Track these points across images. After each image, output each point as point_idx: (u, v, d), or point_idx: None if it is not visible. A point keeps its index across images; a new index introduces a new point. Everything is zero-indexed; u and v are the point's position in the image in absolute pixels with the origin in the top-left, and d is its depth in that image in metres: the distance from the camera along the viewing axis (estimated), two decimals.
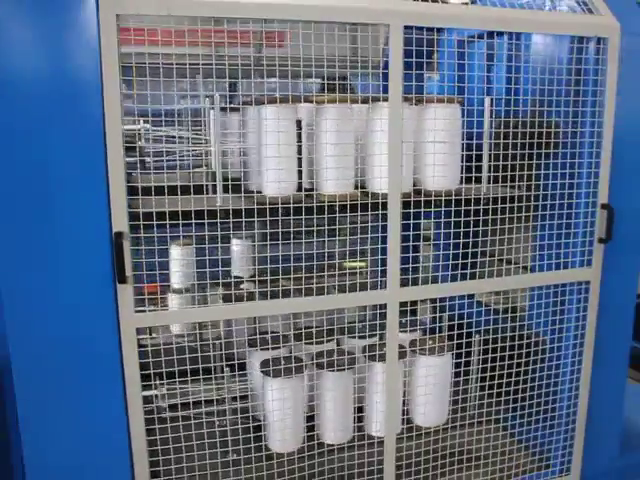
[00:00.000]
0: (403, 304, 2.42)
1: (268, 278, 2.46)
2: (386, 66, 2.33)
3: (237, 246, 3.44)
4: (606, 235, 2.64)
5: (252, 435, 2.46)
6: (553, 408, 2.85)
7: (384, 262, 2.37)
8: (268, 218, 2.24)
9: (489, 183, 2.60)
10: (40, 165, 1.81)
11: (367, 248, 2.77)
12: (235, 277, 3.29)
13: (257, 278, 2.54)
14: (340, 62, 2.31)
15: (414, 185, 2.54)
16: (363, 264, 3.28)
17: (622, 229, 2.70)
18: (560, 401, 2.84)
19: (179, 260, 3.07)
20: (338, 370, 2.66)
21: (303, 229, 2.32)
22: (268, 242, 2.49)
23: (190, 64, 2.02)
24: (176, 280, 3.16)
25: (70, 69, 1.80)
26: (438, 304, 3.10)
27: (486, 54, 2.75)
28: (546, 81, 2.55)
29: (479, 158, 2.57)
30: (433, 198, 2.49)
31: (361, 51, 2.54)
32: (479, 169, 2.57)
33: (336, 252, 2.61)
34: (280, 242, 2.51)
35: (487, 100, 2.65)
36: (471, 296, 2.96)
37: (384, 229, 2.36)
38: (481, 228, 2.53)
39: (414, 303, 2.82)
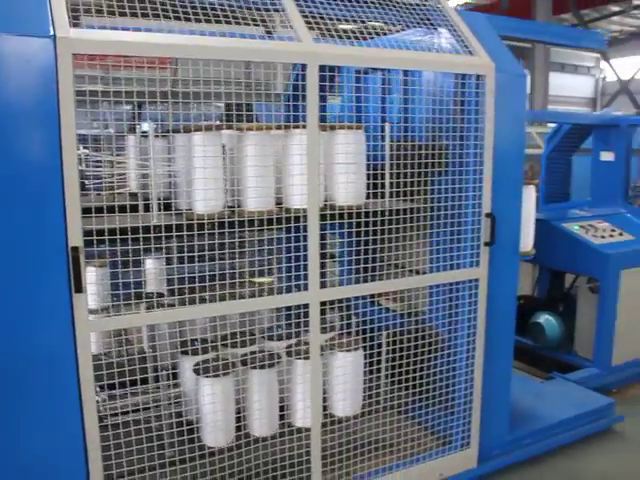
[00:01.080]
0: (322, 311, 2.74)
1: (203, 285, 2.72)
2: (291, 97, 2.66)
3: (155, 263, 3.59)
4: (490, 239, 3.12)
5: (186, 434, 2.68)
6: (452, 394, 3.28)
7: (299, 270, 2.68)
8: (196, 232, 2.50)
9: (390, 198, 3.01)
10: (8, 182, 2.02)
11: (284, 257, 3.09)
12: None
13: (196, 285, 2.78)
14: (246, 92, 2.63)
15: (326, 201, 2.88)
16: (271, 279, 3.57)
17: (502, 233, 3.19)
18: (458, 388, 3.27)
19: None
20: (262, 368, 2.92)
21: (228, 241, 2.59)
22: (196, 256, 2.71)
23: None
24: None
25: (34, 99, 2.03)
26: (352, 311, 3.48)
27: (382, 85, 3.20)
28: (437, 110, 3.01)
29: (382, 176, 2.99)
30: (346, 211, 2.85)
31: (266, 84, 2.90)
32: (382, 186, 2.98)
33: (265, 259, 2.91)
34: (206, 254, 2.72)
35: (387, 126, 3.09)
36: (379, 304, 3.38)
37: (304, 239, 2.69)
38: (386, 237, 2.93)
39: (325, 311, 3.13)
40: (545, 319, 4.95)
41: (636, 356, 4.84)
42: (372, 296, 3.53)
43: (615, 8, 23.46)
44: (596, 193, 5.65)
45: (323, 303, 2.79)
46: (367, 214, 2.93)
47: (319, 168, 2.67)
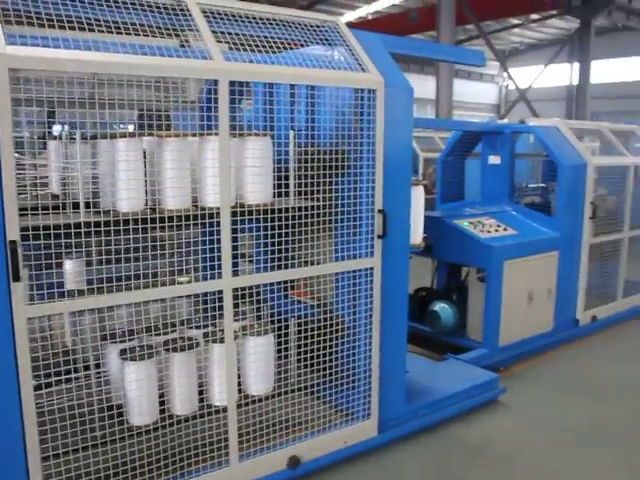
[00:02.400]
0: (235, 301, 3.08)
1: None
2: (206, 101, 2.94)
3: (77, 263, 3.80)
4: (382, 232, 3.56)
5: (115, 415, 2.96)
6: (354, 373, 3.70)
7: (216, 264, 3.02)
8: (121, 228, 2.80)
9: (296, 196, 3.40)
10: None
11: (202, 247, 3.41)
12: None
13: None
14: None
15: (238, 200, 3.23)
16: (188, 279, 3.87)
17: (394, 228, 3.64)
18: (358, 367, 3.69)
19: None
20: (181, 351, 3.22)
21: (150, 236, 2.90)
22: (122, 253, 3.01)
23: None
24: None
25: None
26: (266, 302, 3.83)
27: (290, 95, 3.60)
28: (337, 119, 3.43)
29: (288, 177, 3.38)
30: (254, 209, 3.22)
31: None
32: (288, 186, 3.37)
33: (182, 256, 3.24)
34: (132, 253, 2.97)
35: (291, 133, 3.47)
36: (286, 297, 3.75)
37: (218, 234, 3.03)
38: (291, 231, 3.33)
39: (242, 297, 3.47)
40: (440, 307, 5.46)
41: (518, 338, 5.41)
42: (285, 290, 3.93)
43: (515, 21, 24.92)
44: (485, 193, 6.19)
45: (237, 291, 3.13)
46: (274, 211, 3.30)
47: (230, 171, 3.03)
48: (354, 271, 3.58)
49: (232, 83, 3.01)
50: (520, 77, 26.24)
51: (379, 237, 3.56)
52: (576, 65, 21.42)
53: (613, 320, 6.59)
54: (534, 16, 23.77)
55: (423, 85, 26.73)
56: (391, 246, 3.66)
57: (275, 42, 3.37)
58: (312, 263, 3.41)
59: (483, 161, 6.17)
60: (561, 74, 28.79)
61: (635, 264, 6.95)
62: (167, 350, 3.26)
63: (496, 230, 5.37)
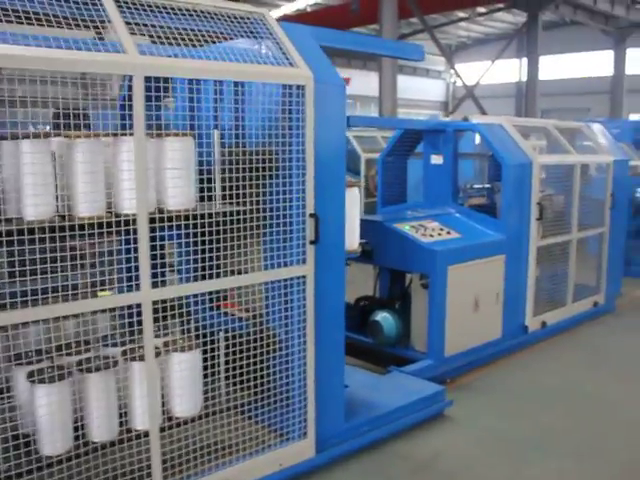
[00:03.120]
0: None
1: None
2: (123, 99, 2.93)
3: None
4: (315, 238, 3.59)
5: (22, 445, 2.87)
6: (287, 390, 3.69)
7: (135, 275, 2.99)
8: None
9: (222, 201, 3.40)
10: None
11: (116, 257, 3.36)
12: None
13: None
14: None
15: (158, 205, 3.21)
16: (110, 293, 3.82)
17: (327, 232, 3.68)
18: (292, 383, 3.69)
19: None
20: (97, 371, 3.15)
21: (61, 245, 2.84)
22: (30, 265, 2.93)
23: None
24: None
25: None
26: (191, 315, 3.78)
27: (214, 93, 3.60)
28: (265, 117, 3.43)
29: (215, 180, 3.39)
30: (174, 214, 3.19)
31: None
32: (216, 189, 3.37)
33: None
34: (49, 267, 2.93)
35: (215, 133, 3.48)
36: (219, 309, 3.72)
37: (135, 242, 3.01)
38: (214, 238, 3.32)
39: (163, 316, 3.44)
40: (382, 317, 5.53)
41: (465, 347, 5.52)
42: (213, 301, 3.91)
43: (462, 14, 25.55)
44: (428, 194, 6.32)
45: (158, 304, 3.10)
46: (197, 217, 3.27)
47: (147, 174, 3.00)
48: (285, 280, 3.59)
49: (150, 79, 2.98)
50: (468, 73, 26.91)
51: (311, 243, 3.59)
52: (525, 61, 22.05)
53: (563, 326, 6.78)
54: (481, 9, 24.43)
55: (366, 82, 27.14)
56: (325, 252, 3.69)
57: (196, 35, 3.37)
58: (239, 272, 3.40)
59: (425, 161, 6.29)
60: (510, 70, 29.63)
61: (584, 267, 7.17)
62: (82, 371, 3.19)
63: (439, 234, 5.47)
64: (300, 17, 22.45)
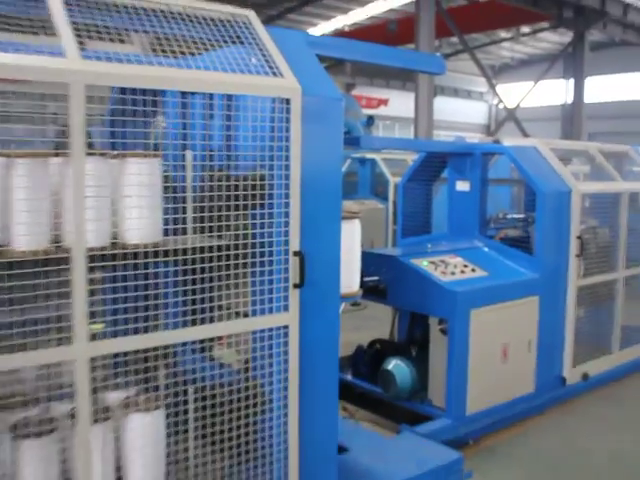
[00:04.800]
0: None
1: None
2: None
3: None
4: (300, 280, 3.13)
5: None
6: (264, 456, 3.23)
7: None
8: None
9: (195, 234, 3.00)
10: None
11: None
12: None
13: None
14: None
15: (115, 239, 2.80)
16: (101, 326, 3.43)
17: (317, 273, 3.23)
18: (271, 447, 3.23)
19: None
20: (36, 437, 2.71)
21: None
22: None
23: None
24: None
25: None
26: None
27: (183, 107, 3.19)
28: (249, 137, 3.04)
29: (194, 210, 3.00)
30: (129, 251, 2.76)
31: None
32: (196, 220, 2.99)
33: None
34: None
35: (188, 154, 3.07)
36: (202, 349, 3.35)
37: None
38: (180, 278, 2.87)
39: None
40: (395, 365, 5.05)
41: (490, 404, 5.03)
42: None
43: (505, 34, 25.18)
44: (453, 225, 5.91)
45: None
46: (163, 253, 2.86)
47: (84, 201, 2.58)
48: (262, 331, 3.13)
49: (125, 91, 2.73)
50: (512, 95, 26.45)
51: (295, 286, 3.14)
52: (571, 82, 21.47)
53: (609, 377, 6.27)
54: (525, 29, 24.02)
55: (405, 103, 26.95)
56: (313, 297, 3.25)
57: (169, 40, 3.00)
58: (202, 321, 2.95)
59: (450, 187, 5.90)
60: (556, 92, 29.07)
61: (633, 308, 6.60)
62: (16, 436, 2.76)
63: (462, 271, 5.05)
64: (337, 36, 22.39)
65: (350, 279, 3.64)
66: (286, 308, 3.14)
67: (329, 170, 3.34)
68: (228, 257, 2.99)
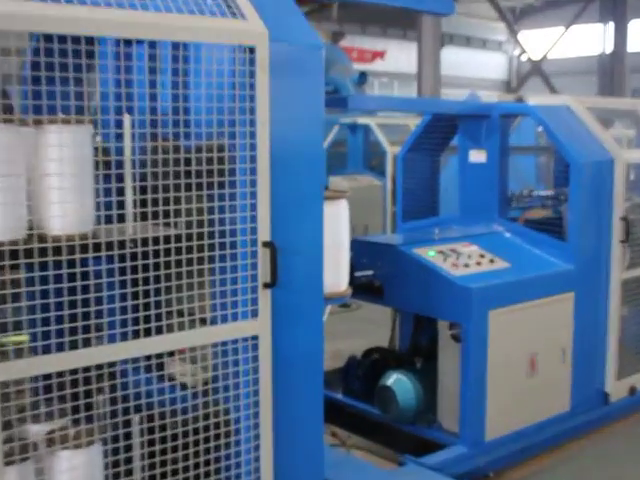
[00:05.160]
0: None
1: None
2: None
3: None
4: (272, 279, 3.08)
5: None
6: None
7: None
8: None
9: (136, 221, 2.94)
10: None
11: None
12: None
13: None
14: None
15: (31, 229, 2.72)
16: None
17: (294, 269, 3.22)
18: None
19: None
20: None
21: None
22: None
23: None
24: None
25: None
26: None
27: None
28: (203, 98, 2.97)
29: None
30: (49, 244, 2.68)
31: None
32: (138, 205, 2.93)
33: None
34: None
35: (126, 118, 2.99)
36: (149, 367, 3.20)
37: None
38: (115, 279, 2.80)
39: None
40: (395, 380, 5.03)
41: (515, 427, 5.02)
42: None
43: None
44: (465, 205, 5.89)
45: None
46: (94, 247, 2.79)
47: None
48: (223, 344, 3.08)
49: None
50: (537, 44, 26.46)
51: (266, 286, 3.10)
52: (610, 26, 21.51)
53: None
54: None
55: (406, 55, 27.03)
56: (289, 299, 3.25)
57: None
58: (147, 332, 2.91)
59: (461, 158, 5.87)
60: (591, 39, 29.16)
61: None
62: None
63: (478, 263, 5.00)
64: None
65: (336, 275, 3.61)
66: (254, 314, 3.12)
67: (307, 138, 3.33)
68: (179, 250, 2.94)
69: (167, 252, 2.92)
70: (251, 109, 3.01)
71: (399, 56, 27.91)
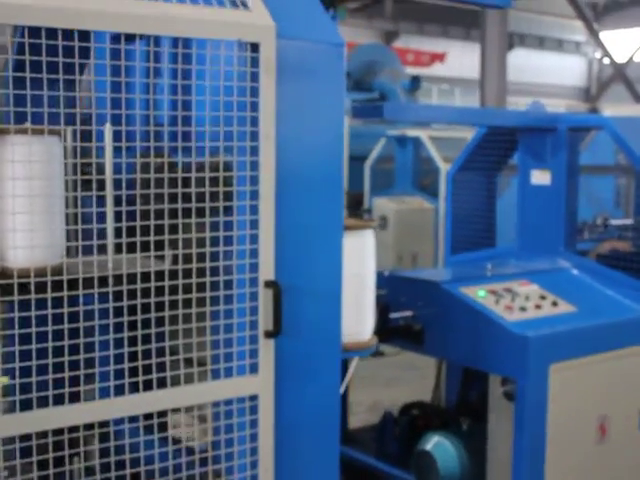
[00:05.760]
0: None
1: None
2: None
3: None
4: (275, 326, 2.95)
5: None
6: None
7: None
8: None
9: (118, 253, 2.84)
10: None
11: None
12: None
13: None
14: None
15: None
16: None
17: (304, 314, 3.12)
18: None
19: None
20: None
21: None
22: None
23: None
24: None
25: None
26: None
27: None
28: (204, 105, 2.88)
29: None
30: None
31: None
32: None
33: None
34: None
35: (107, 130, 2.90)
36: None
37: None
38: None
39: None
40: (436, 444, 4.91)
41: None
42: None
43: None
44: (525, 235, 5.78)
45: None
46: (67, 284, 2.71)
47: None
48: (215, 404, 3.02)
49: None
50: (622, 45, 26.25)
51: (269, 335, 2.99)
52: None
53: None
54: None
55: (470, 58, 27.03)
56: (297, 351, 3.16)
57: None
58: (119, 391, 2.81)
59: (521, 180, 5.76)
60: None
61: None
62: None
63: (537, 306, 4.84)
64: None
65: (358, 321, 3.55)
66: (254, 369, 3.01)
67: (322, 155, 3.25)
68: (160, 290, 2.84)
69: (146, 292, 2.83)
70: (253, 120, 2.91)
71: (462, 59, 28.00)
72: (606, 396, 4.89)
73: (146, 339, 2.83)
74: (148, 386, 2.84)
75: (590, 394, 4.80)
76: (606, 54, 21.03)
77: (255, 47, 2.89)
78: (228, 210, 2.96)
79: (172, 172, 2.87)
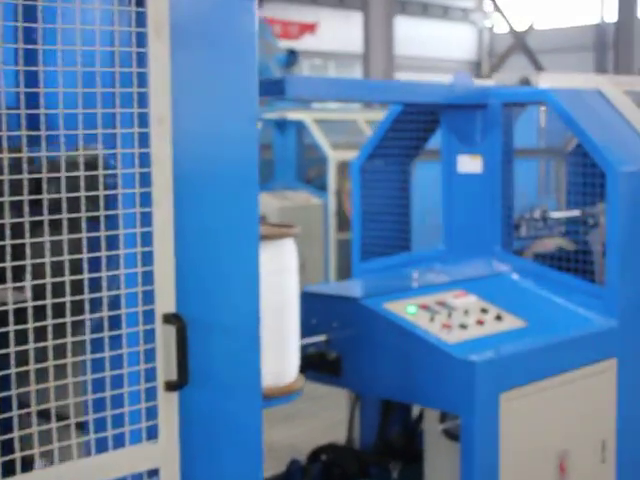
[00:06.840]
0: None
1: None
2: None
3: None
4: (179, 375, 2.69)
5: None
6: None
7: None
8: None
9: None
10: None
11: None
12: None
13: None
14: None
15: None
16: None
17: (215, 356, 2.91)
18: None
19: None
20: None
21: None
22: None
23: None
24: None
25: None
26: None
27: None
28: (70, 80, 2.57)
29: None
30: None
31: None
32: None
33: None
34: None
35: None
36: None
37: None
38: None
39: None
40: None
41: None
42: None
43: None
44: (452, 234, 5.71)
45: None
46: None
47: None
48: None
49: None
50: (517, 13, 26.95)
51: (171, 387, 2.72)
52: None
53: None
54: None
55: (346, 30, 27.30)
56: (210, 405, 2.94)
57: None
58: None
59: (445, 168, 5.67)
60: (586, 7, 29.92)
61: None
62: None
63: (479, 321, 4.72)
64: None
65: (281, 359, 3.42)
66: (152, 434, 2.74)
67: (232, 146, 3.08)
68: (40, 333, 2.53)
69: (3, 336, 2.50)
70: (141, 97, 2.65)
71: (335, 30, 28.17)
72: (565, 427, 4.89)
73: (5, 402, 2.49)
74: (9, 469, 2.51)
75: (547, 425, 4.78)
76: (505, 20, 21.49)
77: (140, 2, 2.64)
78: (111, 221, 2.66)
79: (32, 172, 2.55)
